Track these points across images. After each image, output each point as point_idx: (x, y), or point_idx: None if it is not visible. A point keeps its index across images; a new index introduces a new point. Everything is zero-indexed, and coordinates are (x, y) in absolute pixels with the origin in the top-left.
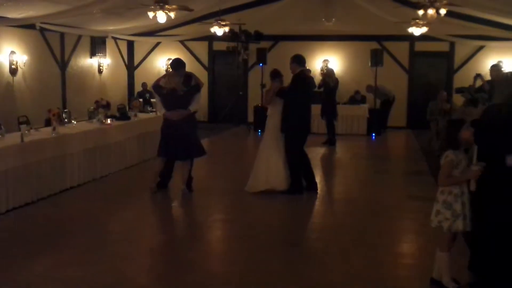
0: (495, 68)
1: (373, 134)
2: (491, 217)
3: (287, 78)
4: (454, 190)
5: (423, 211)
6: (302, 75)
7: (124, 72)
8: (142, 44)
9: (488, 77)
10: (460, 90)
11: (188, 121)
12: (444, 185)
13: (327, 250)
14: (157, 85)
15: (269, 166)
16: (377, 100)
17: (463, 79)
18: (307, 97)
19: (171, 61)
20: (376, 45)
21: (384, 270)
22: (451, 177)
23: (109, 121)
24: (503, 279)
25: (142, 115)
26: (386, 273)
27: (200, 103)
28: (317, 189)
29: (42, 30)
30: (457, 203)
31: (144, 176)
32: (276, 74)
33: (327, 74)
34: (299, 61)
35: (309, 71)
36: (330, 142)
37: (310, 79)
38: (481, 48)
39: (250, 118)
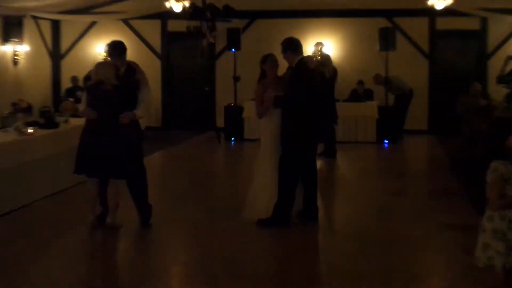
0: None
1: (386, 142)
2: None
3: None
4: (508, 213)
5: (460, 245)
6: (304, 67)
7: (47, 62)
8: (71, 25)
9: None
10: (503, 80)
11: (129, 127)
12: (496, 209)
13: None
14: (87, 76)
15: (272, 190)
16: (389, 95)
17: (499, 65)
18: (315, 95)
19: (107, 44)
20: (386, 22)
21: None
22: (504, 197)
23: (30, 129)
24: None
25: (75, 121)
26: None
27: (148, 105)
28: (317, 217)
29: None
30: None
31: (79, 204)
32: (269, 55)
33: (322, 62)
34: (295, 47)
35: (312, 58)
36: (328, 153)
37: (316, 70)
38: None
39: (220, 122)
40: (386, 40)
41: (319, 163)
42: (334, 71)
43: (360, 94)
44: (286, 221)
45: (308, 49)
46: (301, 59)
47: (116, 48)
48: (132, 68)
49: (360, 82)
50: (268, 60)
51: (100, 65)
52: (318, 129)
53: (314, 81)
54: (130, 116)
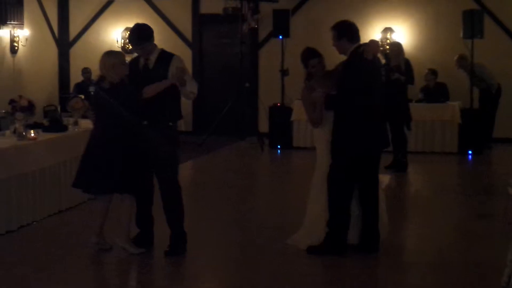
0: None
1: (470, 152)
2: None
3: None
4: None
5: None
6: (361, 58)
7: (53, 51)
8: (82, 5)
9: None
10: None
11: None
12: None
13: None
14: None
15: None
16: (473, 93)
17: None
18: (374, 93)
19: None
20: (471, 3)
21: None
22: None
23: (32, 133)
24: None
25: (86, 123)
26: None
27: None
28: (377, 247)
29: None
30: None
31: (91, 225)
32: (310, 57)
33: (392, 53)
34: (350, 33)
35: (370, 47)
36: (398, 165)
37: (375, 61)
38: None
39: (263, 126)
40: (472, 25)
41: (388, 178)
42: (406, 64)
43: (431, 89)
44: (341, 248)
45: (375, 36)
46: (356, 47)
47: (134, 34)
48: (166, 57)
49: (432, 73)
50: (309, 66)
51: (103, 56)
52: (381, 136)
53: (374, 74)
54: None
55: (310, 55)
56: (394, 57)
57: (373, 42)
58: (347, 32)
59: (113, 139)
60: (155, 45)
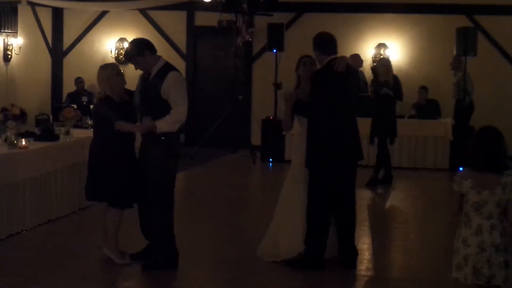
0: None
1: (461, 169)
2: None
3: None
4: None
5: None
6: (330, 70)
7: (46, 60)
8: (76, 15)
9: None
10: None
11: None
12: None
13: None
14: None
15: (300, 225)
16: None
17: None
18: (345, 106)
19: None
20: (465, 21)
21: None
22: None
23: (23, 142)
24: None
25: (78, 132)
26: None
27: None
28: (354, 264)
29: None
30: None
31: (83, 235)
32: (303, 56)
33: (381, 68)
34: (324, 45)
35: (343, 60)
36: (384, 179)
37: (350, 73)
38: None
39: (256, 139)
40: (465, 42)
41: (372, 193)
42: (394, 80)
43: (422, 106)
44: (318, 263)
45: (367, 51)
46: (330, 60)
47: (127, 49)
48: (164, 72)
49: (423, 89)
50: (300, 63)
51: (98, 71)
52: (350, 150)
53: (346, 86)
54: (145, 127)
55: (304, 55)
56: (383, 72)
57: (343, 57)
58: (319, 44)
59: (106, 150)
60: (159, 58)
